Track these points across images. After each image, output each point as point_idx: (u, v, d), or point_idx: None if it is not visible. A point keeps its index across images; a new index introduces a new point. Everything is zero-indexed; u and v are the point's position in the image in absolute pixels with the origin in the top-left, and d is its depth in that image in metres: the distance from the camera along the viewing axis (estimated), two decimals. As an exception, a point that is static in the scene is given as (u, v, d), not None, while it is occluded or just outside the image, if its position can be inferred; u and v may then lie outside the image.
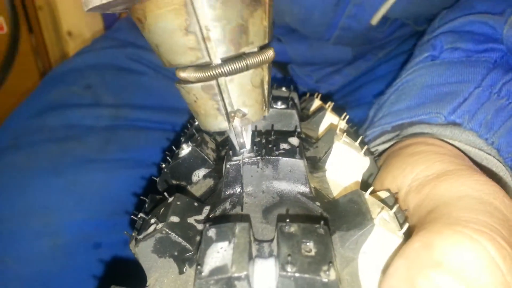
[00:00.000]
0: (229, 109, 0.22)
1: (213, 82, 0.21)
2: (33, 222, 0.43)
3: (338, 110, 0.38)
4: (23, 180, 0.45)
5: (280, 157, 0.24)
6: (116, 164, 0.48)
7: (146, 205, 0.28)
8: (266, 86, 0.23)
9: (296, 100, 0.36)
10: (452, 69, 0.34)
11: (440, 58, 0.36)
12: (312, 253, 0.18)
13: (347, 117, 0.36)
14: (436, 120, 0.32)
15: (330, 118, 0.35)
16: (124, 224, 0.45)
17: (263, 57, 0.22)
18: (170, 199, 0.24)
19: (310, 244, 0.18)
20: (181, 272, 0.21)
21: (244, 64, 0.21)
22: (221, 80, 0.21)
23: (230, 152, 0.25)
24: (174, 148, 0.32)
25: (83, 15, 1.33)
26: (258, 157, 0.24)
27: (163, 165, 0.33)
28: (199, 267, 0.17)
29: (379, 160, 0.34)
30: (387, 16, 0.48)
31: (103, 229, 0.44)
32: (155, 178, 0.34)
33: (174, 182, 0.30)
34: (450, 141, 0.30)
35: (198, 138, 0.31)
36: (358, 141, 0.31)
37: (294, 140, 0.26)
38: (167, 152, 0.35)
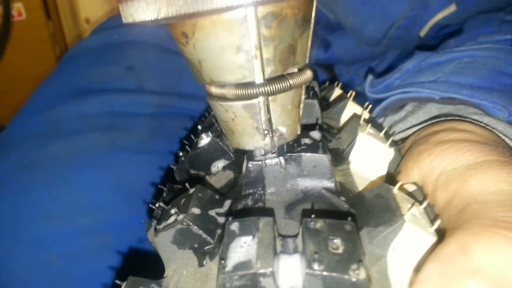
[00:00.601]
0: (268, 129, 0.22)
1: (256, 101, 0.21)
2: (81, 219, 0.41)
3: (359, 97, 0.36)
4: (70, 174, 0.43)
5: (302, 153, 0.23)
6: (163, 156, 0.46)
7: (164, 194, 0.28)
8: (302, 105, 0.23)
9: (317, 89, 0.35)
10: None
11: None
12: (340, 250, 0.17)
13: (370, 106, 0.34)
14: (497, 113, 0.29)
15: (352, 108, 0.34)
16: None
17: (304, 77, 0.21)
18: (192, 190, 0.23)
19: (337, 241, 0.17)
20: (201, 264, 0.21)
21: (288, 84, 0.21)
22: (264, 99, 0.21)
23: (253, 152, 0.24)
24: (192, 137, 0.31)
25: (101, 2, 1.33)
26: (281, 157, 0.24)
27: (181, 154, 0.32)
28: (222, 261, 0.17)
29: (404, 146, 0.32)
30: (435, 24, 0.45)
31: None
32: (173, 167, 0.33)
33: (192, 172, 0.29)
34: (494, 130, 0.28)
35: (218, 128, 0.30)
36: (383, 132, 0.30)
37: (316, 134, 0.25)
38: (184, 141, 0.35)
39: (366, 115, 0.32)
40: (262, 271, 0.16)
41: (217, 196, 0.23)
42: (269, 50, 0.19)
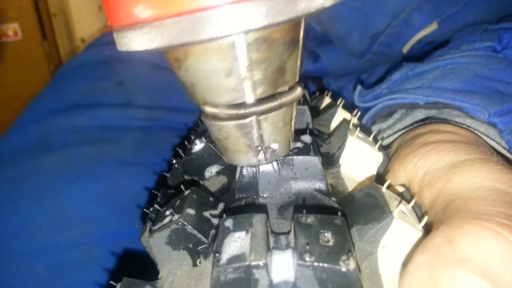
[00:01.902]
0: (260, 147, 0.22)
1: (248, 121, 0.21)
2: (69, 231, 0.41)
3: (348, 108, 0.37)
4: (58, 186, 0.43)
5: (294, 156, 0.24)
6: (151, 168, 0.46)
7: (158, 199, 0.28)
8: (293, 122, 0.24)
9: (307, 97, 0.36)
10: None
11: (502, 53, 0.34)
12: (330, 243, 0.17)
13: (359, 113, 0.36)
14: (478, 114, 0.30)
15: (341, 114, 0.35)
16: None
17: (294, 96, 0.22)
18: (186, 192, 0.24)
19: (328, 235, 0.18)
20: (195, 264, 0.21)
21: (278, 103, 0.21)
22: (255, 118, 0.21)
23: None
24: (186, 143, 0.32)
25: (96, 21, 1.35)
26: (274, 162, 0.24)
27: (174, 161, 0.33)
28: (217, 255, 0.17)
29: (391, 149, 0.33)
30: (418, 41, 0.47)
31: (136, 236, 0.44)
32: (166, 174, 0.34)
33: (186, 177, 0.30)
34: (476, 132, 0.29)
35: (211, 134, 0.31)
36: (371, 136, 0.31)
37: (307, 138, 0.26)
38: (177, 149, 0.35)
39: (355, 120, 0.33)
40: (255, 263, 0.17)
41: (211, 198, 0.24)
42: (258, 72, 0.20)
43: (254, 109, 0.21)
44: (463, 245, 0.17)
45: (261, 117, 0.21)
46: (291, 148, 0.24)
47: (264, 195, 0.23)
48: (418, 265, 0.18)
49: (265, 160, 0.23)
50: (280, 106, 0.21)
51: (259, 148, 0.22)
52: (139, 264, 0.41)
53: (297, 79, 0.22)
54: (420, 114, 0.35)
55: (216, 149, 0.29)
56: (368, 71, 0.60)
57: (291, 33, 0.20)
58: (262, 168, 0.24)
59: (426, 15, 0.43)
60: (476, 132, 0.29)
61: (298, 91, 0.22)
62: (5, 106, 1.25)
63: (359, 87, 0.47)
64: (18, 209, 0.42)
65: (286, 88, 0.22)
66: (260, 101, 0.21)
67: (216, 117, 0.22)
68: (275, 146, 0.23)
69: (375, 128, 0.40)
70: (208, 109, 0.22)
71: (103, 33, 0.65)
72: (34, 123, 0.49)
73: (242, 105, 0.21)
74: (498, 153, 0.28)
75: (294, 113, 0.23)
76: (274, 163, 0.24)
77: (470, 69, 0.34)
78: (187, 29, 0.17)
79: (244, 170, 0.24)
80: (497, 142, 0.30)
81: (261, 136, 0.22)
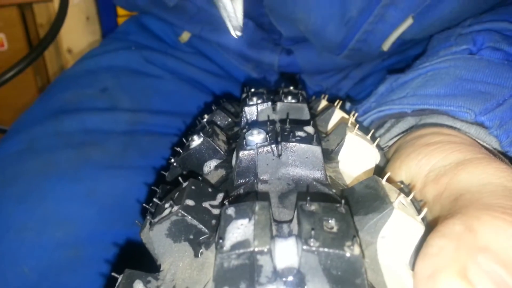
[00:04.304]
0: None
1: None
2: (54, 232, 0.41)
3: (345, 110, 0.38)
4: (42, 187, 0.43)
5: (297, 143, 0.24)
6: (136, 171, 0.47)
7: (158, 195, 0.28)
8: None
9: (306, 96, 0.36)
10: (491, 69, 0.33)
11: (479, 55, 0.35)
12: (335, 229, 0.17)
13: (356, 114, 0.36)
14: (464, 115, 0.31)
15: (339, 115, 0.35)
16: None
17: None
18: (185, 184, 0.23)
19: (332, 222, 0.18)
20: (196, 255, 0.21)
21: None
22: None
23: (244, 141, 0.25)
24: (184, 141, 0.32)
25: (83, 32, 1.35)
26: (273, 145, 0.24)
27: (172, 160, 0.33)
28: (220, 241, 0.17)
29: (389, 151, 0.34)
30: (399, 39, 0.47)
31: (123, 237, 0.43)
32: (164, 173, 0.34)
33: (185, 173, 0.30)
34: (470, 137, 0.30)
35: (209, 130, 0.31)
36: (370, 134, 0.31)
37: (310, 129, 0.26)
38: (175, 148, 0.35)
39: (353, 119, 0.34)
40: (259, 249, 0.17)
41: (210, 189, 0.23)
42: None
43: None
44: (483, 233, 0.18)
45: None
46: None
47: (264, 178, 0.23)
48: (440, 249, 0.18)
49: None
50: None
51: None
52: (127, 264, 0.40)
53: None
54: (411, 119, 0.36)
55: (214, 143, 0.29)
56: (344, 71, 0.61)
57: None
58: (261, 150, 0.24)
59: (401, 10, 0.43)
60: (469, 135, 0.30)
61: None
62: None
63: (348, 104, 0.48)
64: (3, 212, 0.42)
65: None
66: None
67: None
68: None
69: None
70: None
71: (91, 49, 0.66)
72: (21, 131, 0.50)
73: None
74: (498, 157, 0.28)
75: None
76: (273, 146, 0.24)
77: (450, 73, 0.35)
78: None
79: (241, 154, 0.24)
80: (487, 143, 0.30)
81: None
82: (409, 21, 0.44)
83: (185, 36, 0.61)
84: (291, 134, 0.25)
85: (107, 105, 0.52)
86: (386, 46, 0.48)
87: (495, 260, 0.17)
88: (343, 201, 0.19)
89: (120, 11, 1.27)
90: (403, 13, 0.44)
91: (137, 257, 0.40)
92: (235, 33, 0.22)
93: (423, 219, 0.22)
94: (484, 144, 0.30)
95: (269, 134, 0.26)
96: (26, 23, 1.35)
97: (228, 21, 0.23)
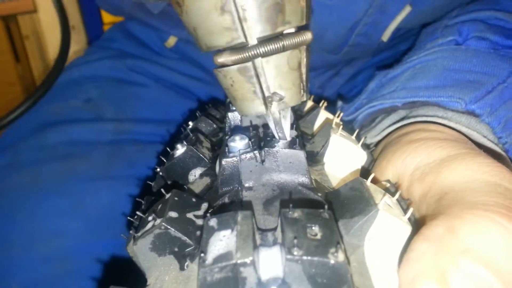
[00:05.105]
0: (266, 92, 0.22)
1: (249, 64, 0.21)
2: (41, 247, 0.41)
3: (331, 110, 0.38)
4: (29, 202, 0.43)
5: (279, 149, 0.24)
6: (122, 181, 0.46)
7: (143, 206, 0.27)
8: (304, 70, 0.23)
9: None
10: (478, 58, 0.33)
11: (465, 45, 0.35)
12: (318, 236, 0.17)
13: (342, 114, 0.36)
14: (455, 105, 0.31)
15: (324, 116, 0.35)
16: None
17: (300, 38, 0.21)
18: (168, 196, 0.23)
19: (316, 228, 0.18)
20: (182, 268, 0.20)
21: (281, 45, 0.20)
22: (257, 61, 0.21)
23: (226, 149, 0.25)
24: (168, 150, 0.31)
25: (70, 43, 1.33)
26: (256, 151, 0.24)
27: (158, 169, 0.32)
28: (202, 255, 0.17)
29: (376, 150, 0.33)
30: (397, 28, 0.48)
31: (112, 249, 0.43)
32: (150, 183, 0.33)
33: (170, 183, 0.29)
34: (464, 129, 0.30)
35: (193, 138, 0.30)
36: (355, 134, 0.31)
37: (292, 132, 0.26)
38: (161, 157, 0.35)
39: (337, 120, 0.34)
40: (242, 260, 0.16)
41: (193, 199, 0.23)
42: (253, 9, 0.19)
43: (254, 51, 0.20)
44: (464, 234, 0.18)
45: (263, 60, 0.21)
46: (304, 99, 0.23)
47: (248, 185, 0.23)
48: (422, 253, 0.18)
49: (274, 109, 0.22)
50: (283, 48, 0.21)
51: (266, 95, 0.21)
52: (115, 276, 0.40)
53: (303, 22, 0.22)
54: (402, 111, 0.36)
55: (198, 151, 0.28)
56: (335, 68, 0.61)
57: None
58: (244, 156, 0.23)
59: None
60: (459, 124, 0.30)
61: (307, 35, 0.21)
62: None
63: (340, 103, 0.48)
64: None
65: (291, 29, 0.21)
66: (261, 42, 0.20)
67: (223, 65, 0.22)
68: (281, 93, 0.22)
69: (360, 134, 0.40)
70: (217, 58, 0.21)
71: (75, 58, 0.66)
72: (6, 147, 0.50)
73: (243, 47, 0.20)
74: (485, 149, 0.28)
75: (304, 60, 0.22)
76: (256, 152, 0.23)
77: (438, 64, 0.35)
78: None
79: (224, 162, 0.24)
80: (478, 131, 0.30)
81: (265, 81, 0.21)
82: (407, 9, 0.45)
83: (171, 41, 0.61)
84: (274, 139, 0.25)
85: (91, 116, 0.52)
86: (386, 36, 0.48)
87: (478, 261, 0.17)
88: (326, 206, 0.19)
89: (106, 18, 1.26)
90: (401, 2, 0.44)
91: (125, 269, 0.40)
92: (265, 108, 0.23)
93: (409, 218, 0.22)
94: (475, 133, 0.30)
95: (252, 140, 0.25)
96: (11, 35, 1.33)
97: (275, 132, 0.24)
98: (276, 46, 0.20)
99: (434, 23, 0.44)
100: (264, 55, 0.20)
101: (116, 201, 0.45)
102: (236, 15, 0.19)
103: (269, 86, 0.22)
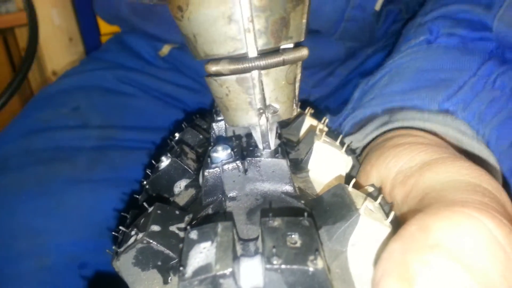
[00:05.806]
0: (260, 104, 0.22)
1: (249, 75, 0.21)
2: (19, 244, 0.42)
3: (317, 116, 0.38)
4: (10, 203, 0.45)
5: (262, 158, 0.24)
6: (104, 183, 0.47)
7: (128, 221, 0.27)
8: (297, 84, 0.23)
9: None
10: (449, 55, 0.34)
11: (436, 43, 0.36)
12: (298, 244, 0.17)
13: (327, 120, 0.36)
14: (429, 106, 0.31)
15: (310, 123, 0.35)
16: (112, 244, 0.44)
17: (299, 54, 0.21)
18: (150, 209, 0.23)
19: (295, 236, 0.18)
20: (165, 281, 0.20)
21: (281, 59, 0.21)
22: (257, 73, 0.21)
23: (209, 159, 0.25)
24: (154, 163, 0.31)
25: (67, 54, 1.33)
26: (238, 161, 0.24)
27: (144, 182, 0.32)
28: (181, 268, 0.17)
29: (362, 155, 0.34)
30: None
31: (90, 250, 0.43)
32: (137, 196, 0.33)
33: (154, 195, 0.29)
34: (441, 128, 0.30)
35: (178, 150, 0.30)
36: (339, 140, 0.31)
37: (275, 141, 0.26)
38: (147, 170, 0.35)
39: (321, 126, 0.34)
40: (221, 272, 0.16)
41: (177, 212, 0.23)
42: (260, 21, 0.19)
43: (256, 62, 0.20)
44: (436, 230, 0.17)
45: (263, 72, 0.21)
46: (295, 113, 0.23)
47: (232, 195, 0.23)
48: (391, 253, 0.17)
49: (264, 121, 0.22)
50: (283, 62, 0.21)
51: (260, 106, 0.21)
52: (95, 274, 0.42)
53: (302, 38, 0.22)
54: (385, 117, 0.36)
55: (183, 163, 0.28)
56: (329, 68, 0.61)
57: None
58: (226, 167, 0.23)
59: None
60: (437, 124, 0.30)
61: (304, 51, 0.22)
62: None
63: (328, 116, 0.49)
64: None
65: (290, 44, 0.21)
66: (263, 55, 0.20)
67: (218, 74, 0.21)
68: (276, 106, 0.22)
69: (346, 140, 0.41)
70: (211, 67, 0.21)
71: (70, 68, 0.67)
72: None
73: (244, 58, 0.20)
74: (466, 154, 0.29)
75: (299, 76, 0.23)
76: (238, 162, 0.23)
77: (411, 66, 0.36)
78: None
79: (206, 173, 0.24)
80: (456, 128, 0.30)
81: (262, 93, 0.21)
82: None
83: (165, 49, 0.62)
84: (257, 148, 0.25)
85: (78, 123, 0.53)
86: (378, 5, 0.50)
87: (447, 256, 0.16)
88: (305, 214, 0.19)
89: (103, 29, 1.26)
90: None
91: (104, 270, 0.41)
92: (258, 120, 0.23)
93: (392, 222, 0.22)
94: (451, 131, 0.30)
95: (235, 150, 0.25)
96: (8, 48, 1.33)
97: (260, 143, 0.24)
98: (277, 60, 0.21)
99: (410, 21, 0.45)
100: (265, 67, 0.21)
101: (98, 202, 0.46)
102: (242, 25, 0.19)
103: (265, 98, 0.22)
